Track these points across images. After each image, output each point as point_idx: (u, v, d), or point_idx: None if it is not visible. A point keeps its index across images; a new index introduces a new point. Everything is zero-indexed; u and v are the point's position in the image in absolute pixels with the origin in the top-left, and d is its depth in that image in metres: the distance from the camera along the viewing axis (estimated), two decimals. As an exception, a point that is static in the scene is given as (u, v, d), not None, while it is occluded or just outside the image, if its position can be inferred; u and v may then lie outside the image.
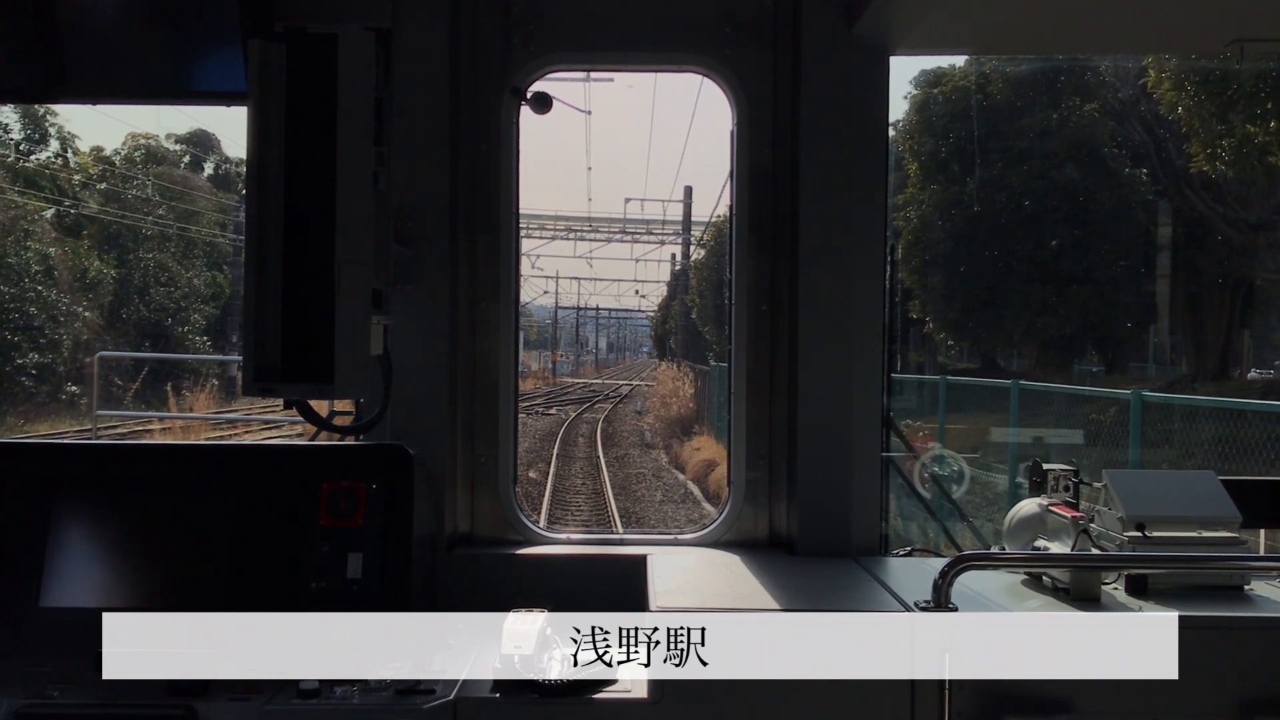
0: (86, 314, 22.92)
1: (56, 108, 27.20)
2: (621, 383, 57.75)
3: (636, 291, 66.49)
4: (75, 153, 29.29)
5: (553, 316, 72.92)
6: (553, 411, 35.36)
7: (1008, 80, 23.13)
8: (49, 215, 25.23)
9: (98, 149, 30.83)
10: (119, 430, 21.52)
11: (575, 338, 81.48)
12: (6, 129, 27.35)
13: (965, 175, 22.88)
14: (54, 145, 28.86)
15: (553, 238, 46.39)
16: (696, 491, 18.74)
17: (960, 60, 24.47)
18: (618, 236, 46.27)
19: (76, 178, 27.95)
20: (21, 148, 27.18)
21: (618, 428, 31.55)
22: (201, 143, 37.03)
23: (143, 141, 33.15)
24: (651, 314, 61.54)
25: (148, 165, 32.05)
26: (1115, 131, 22.41)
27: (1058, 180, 22.05)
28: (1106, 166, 22.30)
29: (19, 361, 21.43)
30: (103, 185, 28.81)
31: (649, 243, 46.69)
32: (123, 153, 32.41)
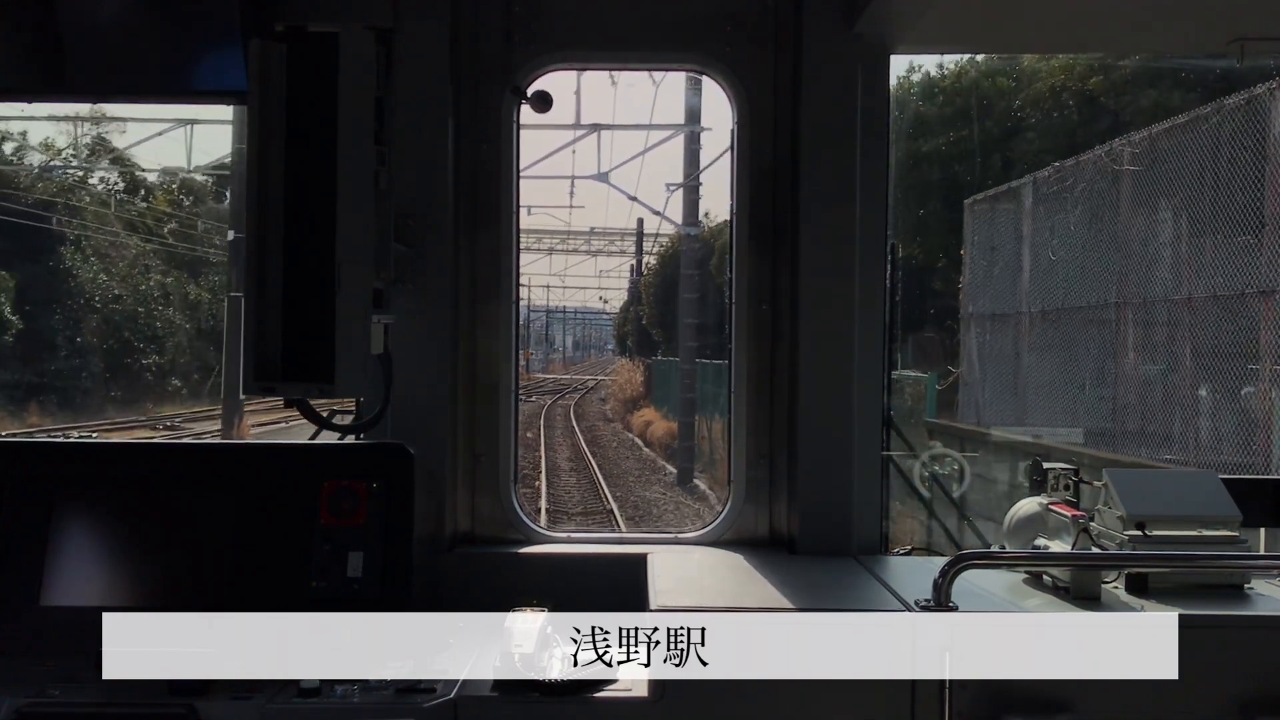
0: (186, 326, 30.73)
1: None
2: (588, 378, 59.91)
3: (600, 298, 69.44)
4: (154, 198, 33.69)
5: (525, 318, 73.85)
6: (533, 399, 42.25)
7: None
8: (152, 250, 31.54)
9: (160, 188, 34.50)
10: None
11: (545, 336, 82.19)
12: (110, 182, 32.54)
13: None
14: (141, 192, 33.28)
15: (537, 253, 47.81)
16: (638, 440, 29.98)
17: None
18: (584, 249, 48.51)
19: (150, 220, 32.53)
20: (121, 197, 32.57)
21: (586, 410, 41.40)
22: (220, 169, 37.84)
23: (181, 176, 34.61)
24: (614, 314, 65.08)
25: (179, 194, 35.47)
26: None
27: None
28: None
29: (144, 362, 29.32)
30: (172, 225, 33.33)
31: (611, 254, 49.43)
32: (160, 185, 35.31)
